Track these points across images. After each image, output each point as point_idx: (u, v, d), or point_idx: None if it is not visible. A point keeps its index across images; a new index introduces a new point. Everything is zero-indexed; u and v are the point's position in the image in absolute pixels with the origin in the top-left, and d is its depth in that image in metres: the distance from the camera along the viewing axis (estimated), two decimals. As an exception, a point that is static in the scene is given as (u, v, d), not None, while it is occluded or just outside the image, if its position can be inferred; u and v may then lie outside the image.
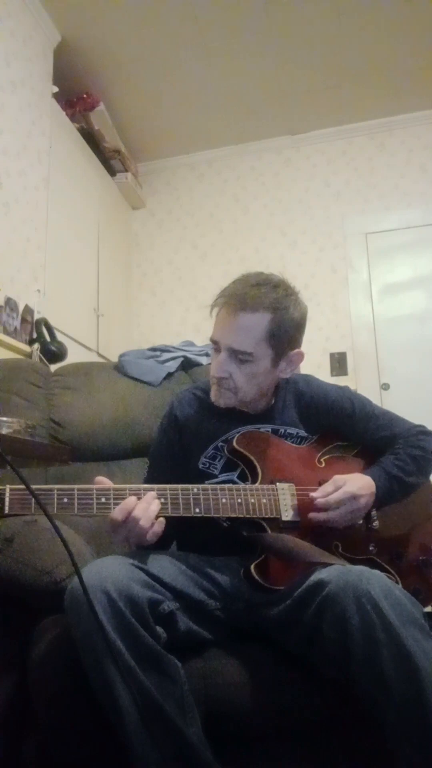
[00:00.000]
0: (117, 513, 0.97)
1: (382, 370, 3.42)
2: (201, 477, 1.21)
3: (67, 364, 1.95)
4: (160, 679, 0.89)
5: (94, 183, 3.33)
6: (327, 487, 1.12)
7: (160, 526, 0.99)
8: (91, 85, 3.20)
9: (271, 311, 1.12)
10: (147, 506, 0.98)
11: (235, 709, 0.97)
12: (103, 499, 1.00)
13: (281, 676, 1.01)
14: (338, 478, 1.13)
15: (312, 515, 1.11)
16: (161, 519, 0.99)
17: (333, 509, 1.10)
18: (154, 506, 0.99)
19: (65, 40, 2.88)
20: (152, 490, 1.04)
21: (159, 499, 1.01)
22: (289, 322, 1.14)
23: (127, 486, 1.03)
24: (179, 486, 1.06)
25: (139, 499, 0.99)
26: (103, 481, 1.01)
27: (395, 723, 0.83)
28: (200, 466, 1.22)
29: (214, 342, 1.17)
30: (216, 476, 1.21)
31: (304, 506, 1.12)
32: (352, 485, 1.11)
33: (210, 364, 1.89)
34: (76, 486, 0.99)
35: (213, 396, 1.20)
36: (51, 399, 1.68)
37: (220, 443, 1.22)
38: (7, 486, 0.94)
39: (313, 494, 1.12)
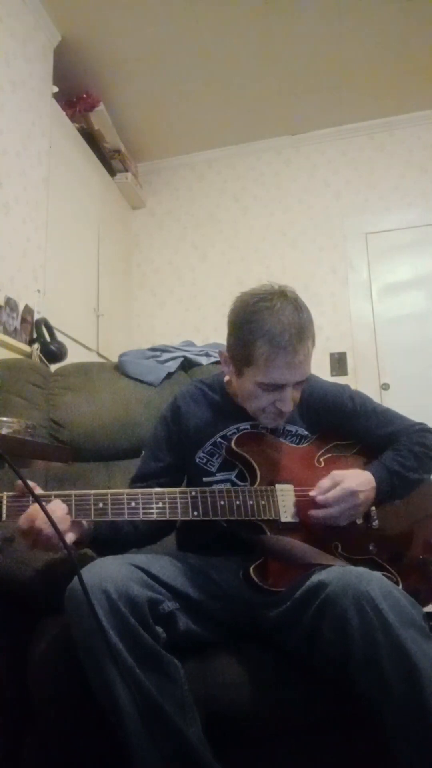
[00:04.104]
0: (22, 521, 0.95)
1: (382, 370, 3.42)
2: (198, 472, 1.21)
3: (67, 364, 1.95)
4: (159, 679, 0.89)
5: (94, 183, 3.33)
6: (324, 483, 1.12)
7: (72, 530, 0.98)
8: (91, 85, 3.20)
9: (310, 327, 1.11)
10: (51, 512, 0.95)
11: (235, 709, 0.97)
12: (100, 505, 1.00)
13: (281, 676, 1.01)
14: (336, 474, 1.13)
15: (311, 513, 1.10)
16: (63, 525, 0.97)
17: (332, 506, 1.10)
18: (59, 512, 0.97)
19: (65, 40, 2.88)
20: (150, 494, 1.04)
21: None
22: (314, 327, 1.14)
23: (125, 491, 1.03)
24: (177, 489, 1.06)
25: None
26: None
27: (395, 723, 0.83)
28: (197, 460, 1.22)
29: (278, 386, 1.11)
30: (213, 474, 1.21)
31: (304, 507, 1.12)
32: (351, 481, 1.11)
33: (209, 365, 1.91)
34: (73, 492, 1.00)
35: (268, 422, 1.18)
36: (51, 399, 1.68)
37: (219, 440, 1.22)
38: (5, 493, 0.94)
39: (311, 493, 1.12)
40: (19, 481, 0.96)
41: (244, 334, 1.11)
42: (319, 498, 1.10)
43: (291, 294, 1.13)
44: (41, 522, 0.94)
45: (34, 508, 0.95)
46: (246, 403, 1.18)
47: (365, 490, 1.12)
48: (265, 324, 1.08)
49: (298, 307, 1.10)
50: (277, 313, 1.08)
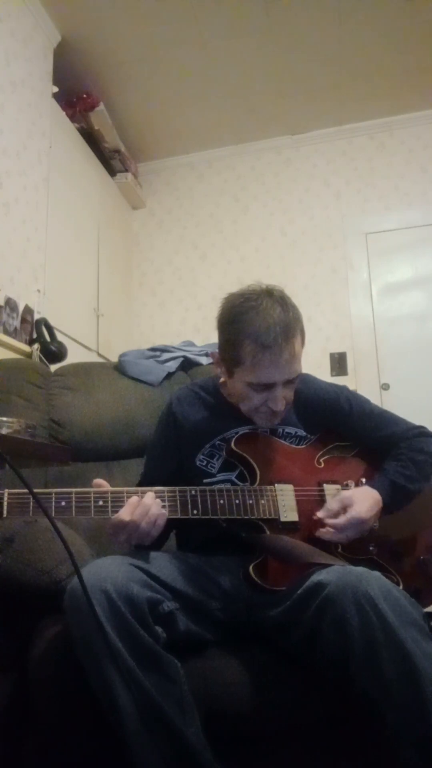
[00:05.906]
0: (124, 513, 0.98)
1: (382, 370, 3.42)
2: (198, 475, 1.21)
3: (67, 364, 1.95)
4: (159, 679, 0.89)
5: (94, 183, 3.33)
6: (333, 505, 1.11)
7: (157, 529, 1.01)
8: (91, 85, 3.20)
9: (298, 326, 1.11)
10: (148, 507, 1.00)
11: (235, 709, 0.97)
12: (100, 503, 1.00)
13: (281, 676, 1.01)
14: (345, 496, 1.11)
15: (318, 533, 1.10)
16: (160, 521, 1.01)
17: (340, 533, 1.09)
18: (155, 508, 1.00)
19: (65, 40, 2.88)
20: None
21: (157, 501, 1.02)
22: (303, 325, 1.14)
23: (125, 489, 1.03)
24: (177, 488, 1.06)
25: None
26: (102, 484, 1.02)
27: (395, 723, 0.83)
28: (197, 463, 1.22)
29: (267, 385, 1.11)
30: (214, 475, 1.21)
31: (304, 507, 1.12)
32: (360, 507, 1.10)
33: (209, 365, 1.91)
34: (74, 489, 1.00)
35: (262, 422, 1.18)
36: (51, 399, 1.68)
37: (218, 442, 1.22)
38: (6, 491, 0.95)
39: (319, 514, 1.11)
40: (97, 480, 1.02)
41: (231, 335, 1.11)
42: (328, 522, 1.10)
43: (277, 293, 1.12)
44: (142, 515, 0.98)
45: (135, 500, 1.00)
46: (239, 404, 1.18)
47: (373, 515, 1.12)
48: (251, 324, 1.08)
49: (284, 305, 1.10)
50: (262, 313, 1.08)
